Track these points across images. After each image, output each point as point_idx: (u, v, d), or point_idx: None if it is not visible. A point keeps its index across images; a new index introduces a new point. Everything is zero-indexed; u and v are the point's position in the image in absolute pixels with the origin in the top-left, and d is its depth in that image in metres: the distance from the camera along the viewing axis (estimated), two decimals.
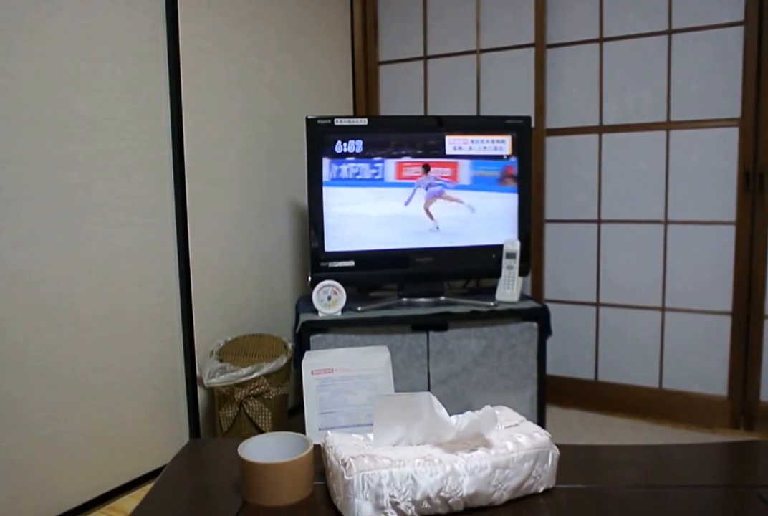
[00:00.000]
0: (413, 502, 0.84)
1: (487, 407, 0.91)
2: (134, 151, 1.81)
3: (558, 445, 0.95)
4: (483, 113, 2.58)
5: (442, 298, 2.17)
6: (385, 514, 0.84)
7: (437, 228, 2.15)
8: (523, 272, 2.16)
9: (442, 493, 0.85)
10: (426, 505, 0.85)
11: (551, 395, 2.38)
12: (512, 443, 0.91)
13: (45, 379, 1.60)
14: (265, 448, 0.96)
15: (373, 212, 2.10)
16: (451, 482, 0.85)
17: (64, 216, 1.63)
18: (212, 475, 1.05)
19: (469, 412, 0.93)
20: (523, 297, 2.17)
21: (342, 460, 0.87)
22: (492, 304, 2.08)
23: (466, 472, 0.86)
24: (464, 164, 2.14)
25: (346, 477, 0.84)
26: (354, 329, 1.99)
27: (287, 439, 0.99)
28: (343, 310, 2.02)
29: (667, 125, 2.28)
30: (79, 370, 1.68)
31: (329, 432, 0.98)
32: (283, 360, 1.99)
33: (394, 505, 0.84)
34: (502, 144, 2.16)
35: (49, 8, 1.56)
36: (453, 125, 2.15)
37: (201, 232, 2.04)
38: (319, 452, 0.96)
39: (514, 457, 0.89)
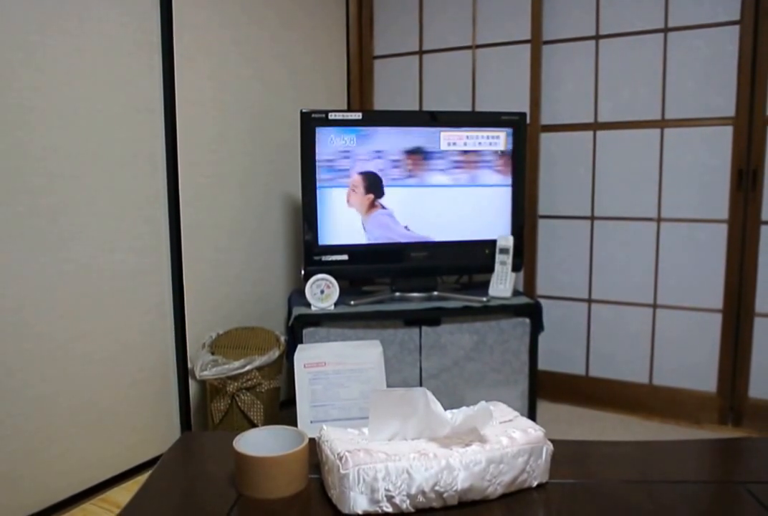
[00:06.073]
0: (408, 496, 0.85)
1: (483, 403, 0.92)
2: (127, 144, 1.80)
3: (551, 441, 0.96)
4: (478, 109, 2.58)
5: (435, 293, 2.17)
6: (380, 507, 0.84)
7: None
8: (516, 268, 2.17)
9: (437, 487, 0.85)
10: (421, 499, 0.85)
11: (542, 390, 2.40)
12: (507, 438, 0.91)
13: (36, 371, 1.59)
14: (260, 442, 0.96)
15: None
16: (446, 476, 0.86)
17: (55, 208, 1.62)
18: (206, 468, 1.05)
19: (464, 408, 0.94)
20: (515, 292, 2.18)
21: (338, 454, 0.87)
22: (485, 299, 2.08)
23: (461, 467, 0.86)
24: (459, 159, 2.14)
25: (341, 471, 0.85)
26: (347, 323, 1.99)
27: (282, 433, 0.99)
28: (335, 304, 2.02)
29: (662, 123, 2.28)
30: (71, 362, 1.68)
31: (324, 426, 0.98)
32: (275, 353, 1.99)
33: (389, 498, 0.84)
34: (496, 139, 2.16)
35: None
36: (448, 120, 2.15)
37: (193, 224, 2.03)
38: (313, 446, 0.96)
39: (509, 452, 0.90)
